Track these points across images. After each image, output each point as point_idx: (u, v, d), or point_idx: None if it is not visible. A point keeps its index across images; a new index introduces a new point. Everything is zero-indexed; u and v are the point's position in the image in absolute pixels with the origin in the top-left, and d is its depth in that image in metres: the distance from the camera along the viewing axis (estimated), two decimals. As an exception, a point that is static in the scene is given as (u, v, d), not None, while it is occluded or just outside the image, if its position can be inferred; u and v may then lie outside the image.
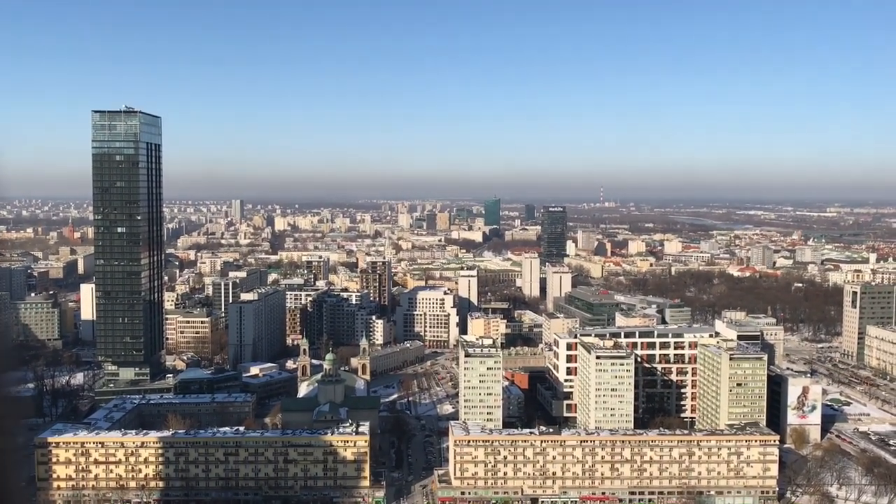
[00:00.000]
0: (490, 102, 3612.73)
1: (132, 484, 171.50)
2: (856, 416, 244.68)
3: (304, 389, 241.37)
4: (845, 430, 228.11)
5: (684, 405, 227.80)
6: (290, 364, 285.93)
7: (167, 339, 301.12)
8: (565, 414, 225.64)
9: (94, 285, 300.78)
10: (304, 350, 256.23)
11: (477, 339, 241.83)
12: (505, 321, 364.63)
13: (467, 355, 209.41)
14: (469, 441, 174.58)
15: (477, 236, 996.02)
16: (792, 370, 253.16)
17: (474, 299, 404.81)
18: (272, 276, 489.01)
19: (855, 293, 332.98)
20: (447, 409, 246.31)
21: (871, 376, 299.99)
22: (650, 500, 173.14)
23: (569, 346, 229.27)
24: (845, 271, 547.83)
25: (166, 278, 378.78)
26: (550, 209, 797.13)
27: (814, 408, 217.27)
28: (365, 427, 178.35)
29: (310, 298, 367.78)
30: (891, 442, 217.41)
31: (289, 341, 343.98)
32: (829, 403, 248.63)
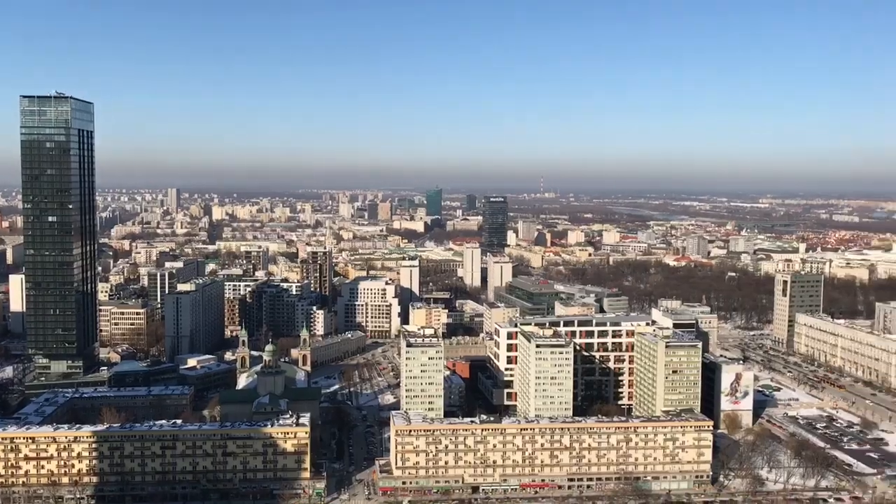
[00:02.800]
0: (432, 93, 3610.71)
1: (65, 480, 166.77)
2: (786, 401, 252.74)
3: (243, 381, 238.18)
4: (776, 415, 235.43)
5: (622, 392, 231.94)
6: (228, 356, 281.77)
7: (101, 331, 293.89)
8: (506, 402, 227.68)
9: (23, 276, 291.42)
10: (244, 341, 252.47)
11: (418, 329, 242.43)
12: (446, 311, 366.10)
13: (409, 345, 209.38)
14: (410, 431, 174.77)
15: (419, 226, 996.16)
16: (725, 357, 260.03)
17: (416, 289, 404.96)
18: (210, 267, 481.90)
19: (785, 282, 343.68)
20: (389, 399, 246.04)
21: (800, 362, 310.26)
22: (588, 486, 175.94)
23: (509, 336, 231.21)
24: (776, 261, 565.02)
25: (100, 269, 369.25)
26: (492, 199, 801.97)
27: (746, 394, 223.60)
28: (305, 418, 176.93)
29: (249, 289, 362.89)
30: (818, 426, 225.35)
31: (227, 333, 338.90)
32: (761, 389, 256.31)
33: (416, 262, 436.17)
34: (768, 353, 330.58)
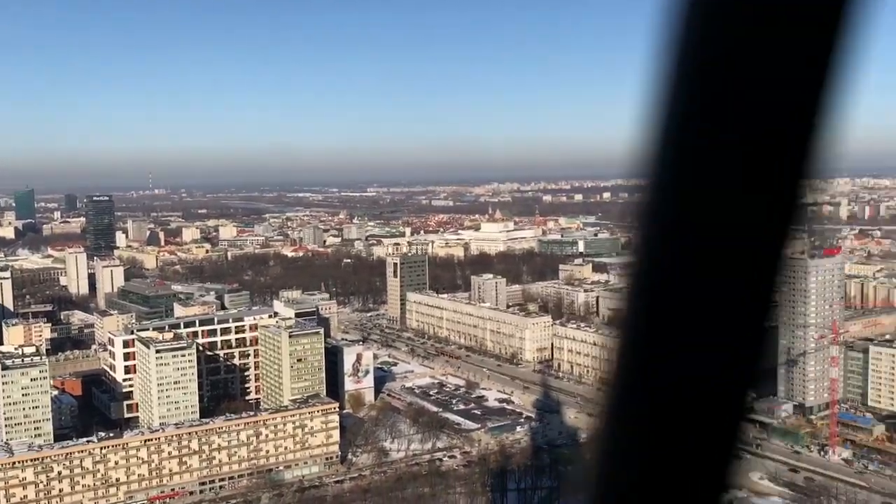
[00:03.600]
0: (10, 79, 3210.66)
1: None
2: (402, 374, 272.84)
3: None
4: (395, 388, 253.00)
5: (249, 387, 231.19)
6: None
7: None
8: (126, 415, 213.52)
9: None
10: None
11: (16, 349, 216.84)
12: (50, 325, 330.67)
13: (5, 368, 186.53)
14: (14, 463, 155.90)
15: (8, 232, 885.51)
16: (347, 340, 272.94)
17: (10, 304, 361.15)
18: None
19: (395, 264, 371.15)
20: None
21: (412, 336, 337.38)
22: (221, 486, 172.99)
23: (125, 344, 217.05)
24: (386, 245, 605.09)
25: None
26: (95, 199, 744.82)
27: (367, 372, 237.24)
28: None
29: None
30: (430, 392, 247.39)
31: None
32: (380, 366, 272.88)
33: (7, 274, 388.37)
34: (385, 331, 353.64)
